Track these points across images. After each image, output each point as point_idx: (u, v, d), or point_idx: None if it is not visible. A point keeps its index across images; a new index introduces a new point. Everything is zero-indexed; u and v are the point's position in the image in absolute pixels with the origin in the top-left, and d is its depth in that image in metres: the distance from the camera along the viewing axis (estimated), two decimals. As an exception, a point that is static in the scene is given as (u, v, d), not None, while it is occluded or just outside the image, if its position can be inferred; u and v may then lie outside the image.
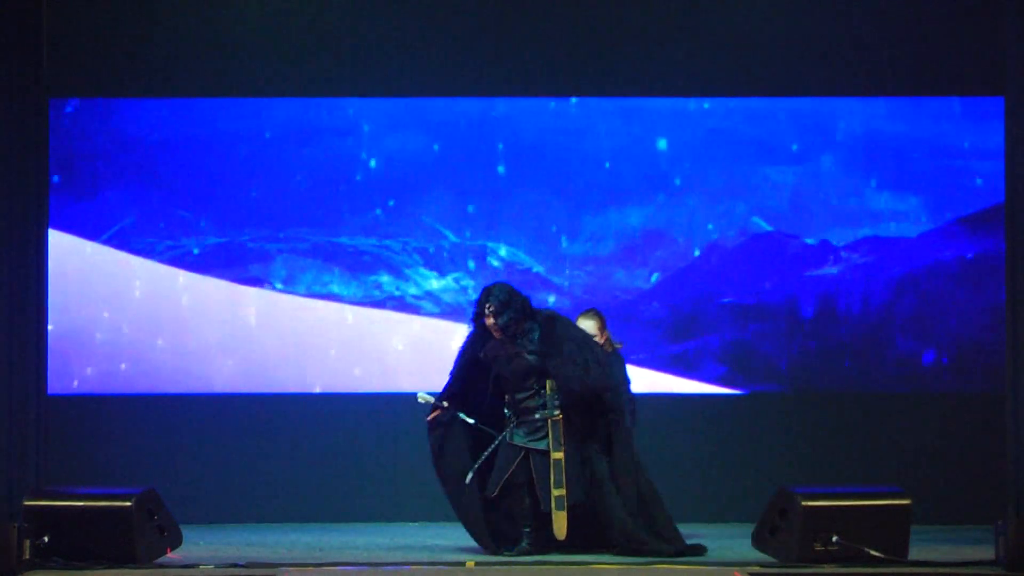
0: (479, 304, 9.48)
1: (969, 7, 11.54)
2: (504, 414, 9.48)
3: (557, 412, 9.35)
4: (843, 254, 11.73)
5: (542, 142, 11.81)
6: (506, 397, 9.48)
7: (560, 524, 9.29)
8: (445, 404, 9.52)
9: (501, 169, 11.79)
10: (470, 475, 9.39)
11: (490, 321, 9.38)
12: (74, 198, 11.72)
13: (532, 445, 9.36)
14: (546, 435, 9.34)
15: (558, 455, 9.32)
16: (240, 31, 11.71)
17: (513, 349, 9.40)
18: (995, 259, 11.27)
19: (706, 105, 11.77)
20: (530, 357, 9.38)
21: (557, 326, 9.48)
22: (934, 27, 11.65)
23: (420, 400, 9.62)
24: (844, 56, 11.68)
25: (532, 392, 9.39)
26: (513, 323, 9.37)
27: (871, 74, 11.68)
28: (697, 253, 11.76)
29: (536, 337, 9.41)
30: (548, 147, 11.81)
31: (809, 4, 11.73)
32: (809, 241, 11.76)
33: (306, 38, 11.73)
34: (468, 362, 9.57)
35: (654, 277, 11.76)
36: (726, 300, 11.76)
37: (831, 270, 11.75)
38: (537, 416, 9.35)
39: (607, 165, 11.79)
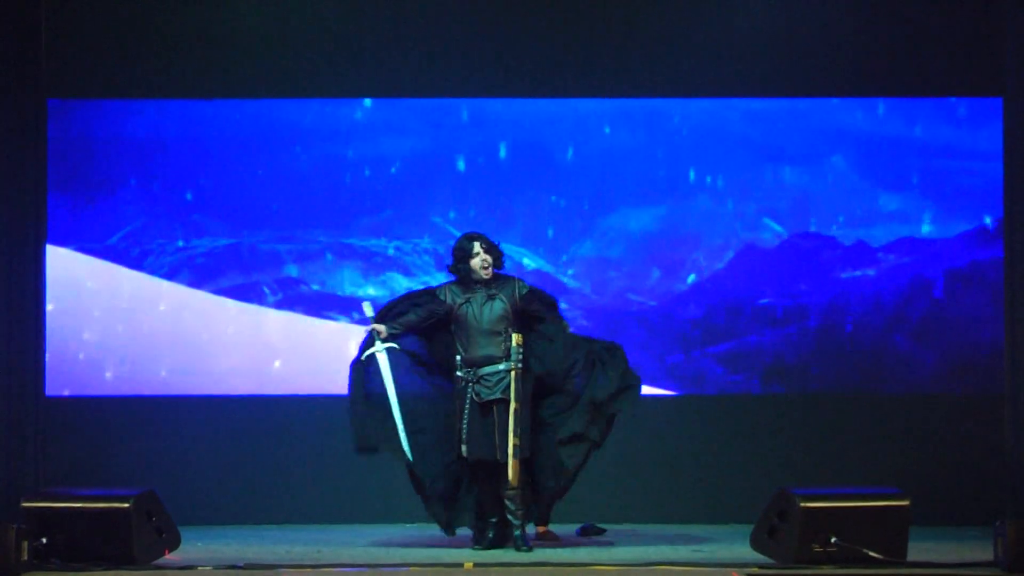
0: (464, 246, 9.71)
1: (969, 7, 11.53)
2: (457, 371, 9.68)
3: (520, 364, 9.57)
4: (870, 256, 11.71)
5: (548, 143, 11.79)
6: (463, 352, 9.65)
7: (514, 471, 9.49)
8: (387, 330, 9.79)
9: (509, 170, 11.78)
10: (464, 448, 9.62)
11: (480, 257, 9.65)
12: (76, 198, 11.71)
13: (496, 396, 9.56)
14: (508, 385, 9.54)
15: (516, 404, 9.52)
16: (241, 31, 11.69)
17: (487, 293, 9.67)
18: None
19: (705, 105, 11.76)
20: (504, 300, 9.65)
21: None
22: (934, 27, 11.63)
23: (365, 310, 9.85)
24: (844, 56, 11.67)
25: (501, 339, 9.60)
26: (500, 259, 9.73)
27: (870, 74, 11.67)
28: (727, 256, 11.74)
29: (513, 288, 9.71)
30: (554, 148, 11.79)
31: (810, 4, 11.71)
32: (817, 244, 11.75)
33: (307, 38, 11.71)
34: (428, 305, 9.79)
35: (691, 278, 11.73)
36: (731, 304, 11.75)
37: (838, 273, 11.74)
38: (502, 366, 9.55)
39: (613, 166, 11.78)
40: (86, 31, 11.56)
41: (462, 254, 9.73)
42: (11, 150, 9.33)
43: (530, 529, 9.91)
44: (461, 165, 11.79)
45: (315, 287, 11.79)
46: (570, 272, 11.78)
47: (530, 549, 9.52)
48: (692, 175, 11.77)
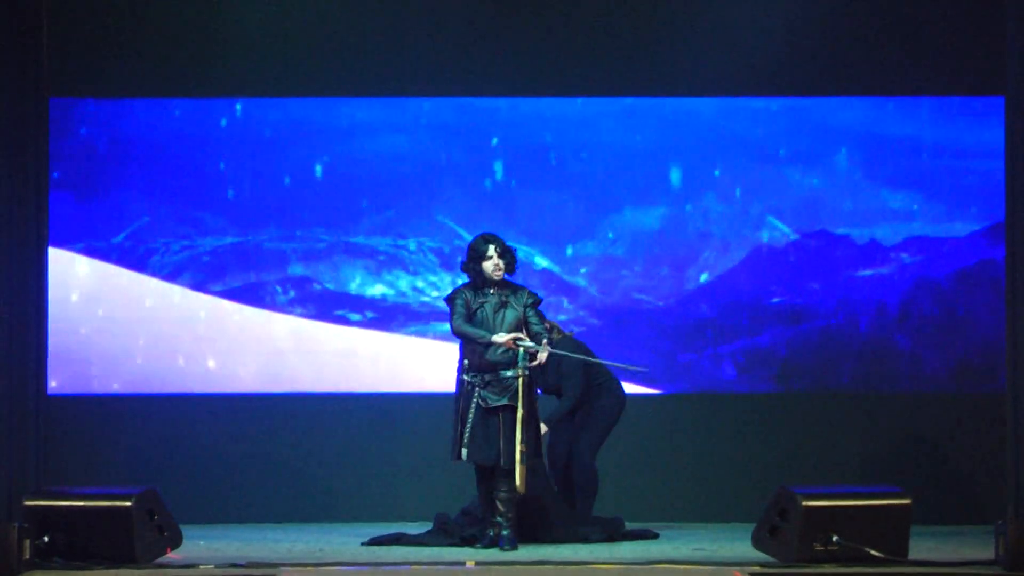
0: (479, 247, 9.70)
1: (969, 7, 11.51)
2: (464, 375, 9.70)
3: (527, 371, 9.58)
4: (881, 255, 11.70)
5: (552, 143, 11.79)
6: (471, 357, 9.67)
7: (521, 477, 9.51)
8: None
9: (514, 169, 11.78)
10: (465, 451, 9.65)
11: (493, 260, 9.64)
12: (78, 198, 11.73)
13: (503, 403, 9.58)
14: (516, 391, 9.54)
15: (523, 411, 9.52)
16: (243, 30, 11.69)
17: (500, 299, 9.67)
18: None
19: (705, 104, 11.75)
20: (516, 309, 9.66)
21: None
22: (934, 27, 11.61)
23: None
24: (846, 55, 11.65)
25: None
26: (513, 264, 9.72)
27: (870, 74, 11.65)
28: (738, 255, 11.73)
29: (523, 298, 9.71)
30: (559, 147, 11.79)
31: (812, 4, 11.70)
32: (827, 243, 11.73)
33: (309, 37, 11.71)
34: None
35: (703, 277, 11.72)
36: (741, 303, 11.74)
37: (849, 273, 11.72)
38: (510, 373, 9.56)
39: (620, 166, 11.77)
40: (88, 30, 11.56)
41: (476, 255, 9.71)
42: (12, 150, 9.31)
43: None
44: (467, 164, 11.79)
45: (322, 286, 11.79)
46: (582, 271, 11.78)
47: (514, 548, 9.53)
48: (699, 174, 11.77)
